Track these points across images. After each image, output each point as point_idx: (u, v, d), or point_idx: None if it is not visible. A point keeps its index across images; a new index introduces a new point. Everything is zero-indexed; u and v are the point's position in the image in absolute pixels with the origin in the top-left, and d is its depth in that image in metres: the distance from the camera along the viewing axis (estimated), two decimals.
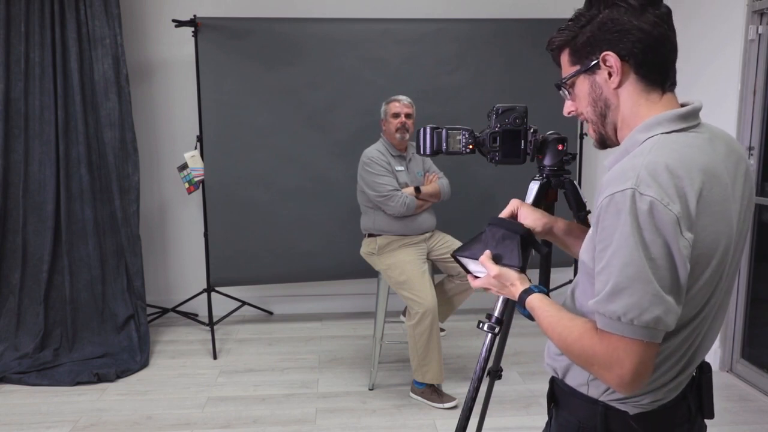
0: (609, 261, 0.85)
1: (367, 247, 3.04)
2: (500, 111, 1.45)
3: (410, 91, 3.20)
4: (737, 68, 3.00)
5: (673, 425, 1.01)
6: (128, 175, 3.58)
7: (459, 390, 2.99)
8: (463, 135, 1.43)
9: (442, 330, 3.77)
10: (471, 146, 1.45)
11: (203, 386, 3.11)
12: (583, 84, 1.02)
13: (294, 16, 3.86)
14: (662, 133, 0.92)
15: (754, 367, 3.06)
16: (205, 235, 3.66)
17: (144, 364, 3.35)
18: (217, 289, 3.83)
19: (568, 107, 1.07)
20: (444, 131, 1.42)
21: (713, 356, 3.22)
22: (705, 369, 1.05)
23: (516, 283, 1.11)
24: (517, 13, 3.98)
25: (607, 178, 0.89)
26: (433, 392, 2.89)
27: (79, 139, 3.50)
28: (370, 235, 3.03)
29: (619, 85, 0.97)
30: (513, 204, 1.28)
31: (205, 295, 3.72)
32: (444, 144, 1.42)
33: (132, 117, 3.59)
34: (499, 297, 1.44)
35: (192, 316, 4.00)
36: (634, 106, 0.97)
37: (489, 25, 3.75)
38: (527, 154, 1.54)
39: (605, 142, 1.04)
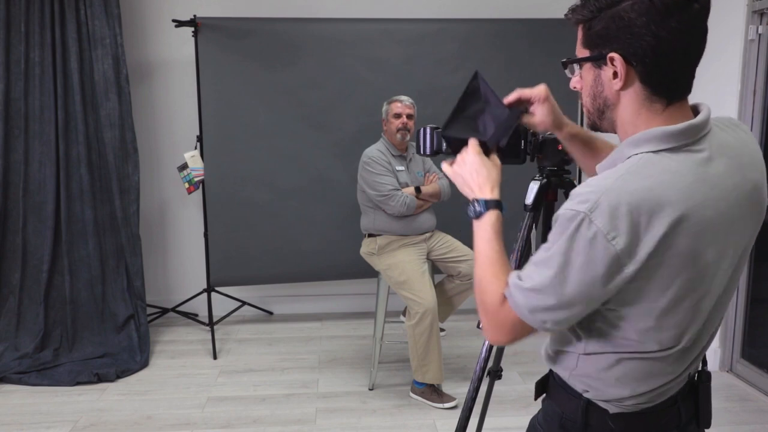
0: (538, 261, 0.90)
1: (367, 247, 3.04)
2: None
3: (410, 91, 3.20)
4: (737, 68, 3.00)
5: (657, 429, 1.00)
6: (128, 175, 3.58)
7: (459, 390, 2.99)
8: None
9: (442, 330, 3.77)
10: None
11: (203, 386, 3.11)
12: (588, 73, 0.96)
13: (294, 16, 3.86)
14: (649, 152, 0.88)
15: (754, 367, 3.06)
16: (205, 235, 3.66)
17: (144, 364, 3.35)
18: (217, 289, 3.83)
19: (574, 82, 1.00)
20: None
21: (713, 356, 3.22)
22: (703, 377, 1.04)
23: (489, 185, 1.06)
24: (517, 13, 3.97)
25: (579, 188, 0.88)
26: (433, 392, 2.89)
27: (79, 139, 3.50)
28: (370, 235, 3.03)
29: (623, 88, 0.91)
30: (531, 92, 1.15)
31: (205, 295, 3.72)
32: (444, 144, 1.42)
33: (132, 117, 3.59)
34: None
35: (192, 316, 4.00)
36: (635, 113, 0.92)
37: (489, 25, 3.75)
38: (527, 154, 1.53)
39: (596, 128, 1.01)
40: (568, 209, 0.86)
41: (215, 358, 3.46)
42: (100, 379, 3.14)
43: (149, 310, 3.93)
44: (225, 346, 3.65)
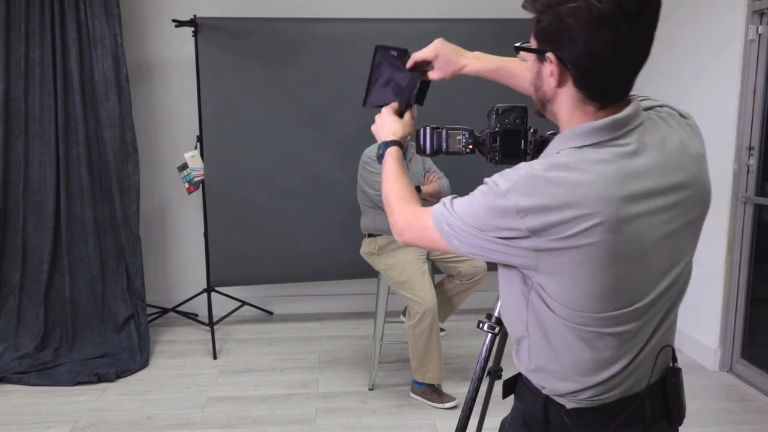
0: (468, 201, 0.99)
1: (367, 247, 3.04)
2: (500, 111, 1.45)
3: None
4: (737, 68, 3.00)
5: (619, 426, 0.99)
6: (128, 175, 3.58)
7: (459, 390, 2.99)
8: (463, 135, 1.43)
9: (442, 330, 3.77)
10: (471, 146, 1.45)
11: (203, 386, 3.11)
12: (533, 65, 0.98)
13: (294, 16, 3.87)
14: (573, 148, 0.92)
15: (754, 367, 3.06)
16: (205, 235, 3.66)
17: (144, 364, 3.35)
18: (217, 289, 3.83)
19: (528, 66, 1.05)
20: (444, 131, 1.42)
21: (713, 356, 3.22)
22: (670, 373, 1.03)
23: (390, 132, 1.29)
24: (517, 13, 3.97)
25: (514, 168, 0.95)
26: (433, 392, 2.89)
27: (79, 139, 3.50)
28: (370, 235, 3.03)
29: (558, 86, 0.94)
30: (421, 54, 1.29)
31: (205, 295, 3.72)
32: (444, 144, 1.42)
33: (132, 117, 3.59)
34: (499, 297, 1.45)
35: (192, 316, 4.00)
36: (569, 111, 0.95)
37: (489, 25, 3.75)
38: (527, 154, 1.53)
39: (542, 115, 1.05)
40: (492, 181, 0.95)
41: (215, 358, 3.46)
42: (100, 379, 3.14)
43: (149, 310, 3.93)
44: (225, 346, 3.65)
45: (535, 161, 0.94)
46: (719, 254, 3.16)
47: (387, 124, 1.31)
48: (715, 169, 3.18)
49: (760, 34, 2.93)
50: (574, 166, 0.89)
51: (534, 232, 0.89)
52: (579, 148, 0.92)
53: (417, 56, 1.28)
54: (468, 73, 1.28)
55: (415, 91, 1.29)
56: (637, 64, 0.90)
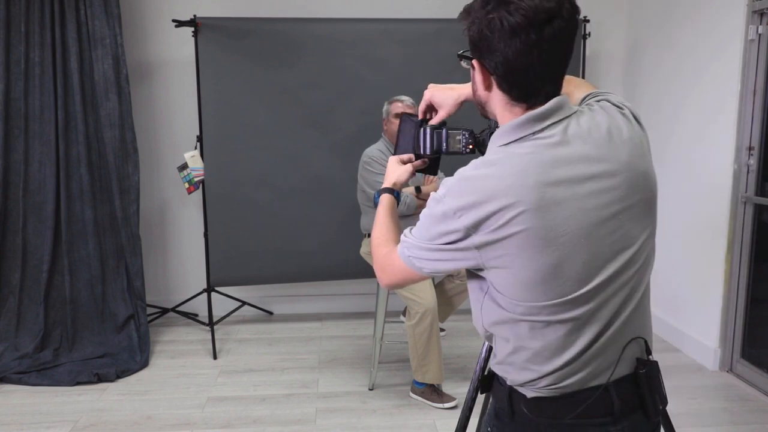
0: (421, 223, 1.06)
1: (367, 247, 3.04)
2: None
3: (410, 91, 3.20)
4: (737, 68, 3.00)
5: (581, 415, 1.00)
6: (128, 175, 3.58)
7: (459, 390, 2.99)
8: (463, 135, 1.43)
9: (442, 330, 3.77)
10: (471, 146, 1.45)
11: (203, 386, 3.11)
12: (471, 71, 1.07)
13: (294, 16, 3.86)
14: (501, 145, 1.00)
15: (754, 367, 3.06)
16: (205, 235, 3.66)
17: (144, 364, 3.35)
18: (217, 289, 3.83)
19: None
20: (444, 131, 1.42)
21: (713, 356, 3.22)
22: (641, 365, 1.02)
23: (390, 181, 1.35)
24: None
25: (453, 176, 1.01)
26: (433, 392, 2.89)
27: (79, 139, 3.50)
28: (370, 235, 3.03)
29: (487, 90, 1.03)
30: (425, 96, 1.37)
31: (205, 295, 3.72)
32: (444, 144, 1.42)
33: (132, 117, 3.59)
34: None
35: (192, 316, 4.00)
36: (501, 112, 1.03)
37: None
38: None
39: (486, 116, 1.13)
40: (436, 192, 1.02)
41: (215, 358, 3.46)
42: (100, 379, 3.14)
43: (149, 310, 3.93)
44: (225, 346, 3.65)
45: (460, 170, 1.01)
46: (719, 254, 3.16)
47: (389, 172, 1.38)
48: (715, 169, 3.18)
49: (760, 34, 2.93)
50: (497, 161, 0.96)
51: (470, 229, 0.96)
52: (505, 145, 0.99)
53: (420, 108, 1.39)
54: (468, 100, 1.33)
55: (423, 137, 1.39)
56: (554, 68, 0.97)
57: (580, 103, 1.10)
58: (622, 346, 1.01)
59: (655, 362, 1.05)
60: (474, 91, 1.08)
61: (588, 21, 3.88)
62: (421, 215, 1.05)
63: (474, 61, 1.02)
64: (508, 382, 1.07)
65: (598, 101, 1.06)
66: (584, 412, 1.00)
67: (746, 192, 3.06)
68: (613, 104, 1.05)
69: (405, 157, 1.39)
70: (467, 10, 1.00)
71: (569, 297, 0.96)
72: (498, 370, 1.09)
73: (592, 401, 1.00)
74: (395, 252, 1.12)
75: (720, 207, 3.14)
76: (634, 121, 1.04)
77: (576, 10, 0.95)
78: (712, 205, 3.20)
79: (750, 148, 3.03)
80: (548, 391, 1.01)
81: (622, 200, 0.97)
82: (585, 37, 3.85)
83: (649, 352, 1.05)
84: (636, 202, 0.99)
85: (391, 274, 1.15)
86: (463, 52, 1.08)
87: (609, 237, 0.96)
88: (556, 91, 0.99)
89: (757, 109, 3.00)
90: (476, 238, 0.96)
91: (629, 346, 1.01)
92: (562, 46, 0.95)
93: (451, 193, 0.98)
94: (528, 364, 1.01)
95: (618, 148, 0.98)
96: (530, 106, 0.98)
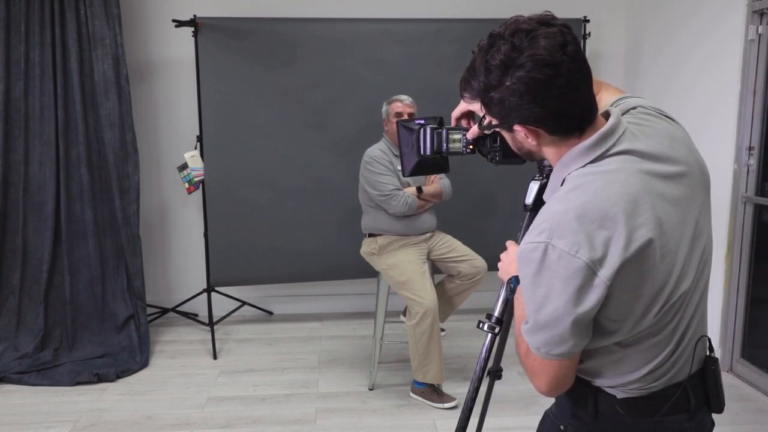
0: (527, 299, 0.97)
1: (367, 247, 3.04)
2: None
3: (410, 91, 3.20)
4: (737, 68, 3.00)
5: (666, 413, 1.04)
6: (128, 175, 3.58)
7: (459, 390, 2.99)
8: (463, 135, 1.43)
9: (442, 330, 3.76)
10: (471, 146, 1.45)
11: (203, 386, 3.11)
12: (504, 132, 1.06)
13: (294, 16, 3.86)
14: (578, 169, 0.97)
15: (754, 367, 3.06)
16: (205, 235, 3.66)
17: (144, 364, 3.35)
18: (217, 289, 3.83)
19: (474, 133, 1.23)
20: (444, 131, 1.42)
21: None
22: (708, 363, 1.07)
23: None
24: (517, 13, 3.97)
25: (535, 222, 0.96)
26: (433, 392, 2.89)
27: (79, 139, 3.50)
28: (370, 235, 3.03)
29: (538, 141, 1.00)
30: None
31: (205, 295, 3.72)
32: (444, 144, 1.42)
33: (132, 117, 3.59)
34: (499, 297, 1.45)
35: (192, 316, 4.00)
36: (557, 150, 1.01)
37: (489, 25, 3.68)
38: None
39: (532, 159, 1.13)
40: (529, 242, 0.94)
41: (215, 358, 3.46)
42: (100, 379, 3.14)
43: (149, 310, 3.93)
44: (225, 346, 3.65)
45: (543, 211, 0.96)
46: (719, 254, 3.16)
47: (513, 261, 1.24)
48: (715, 169, 3.18)
49: (760, 34, 2.93)
50: (583, 184, 0.93)
51: (597, 263, 0.89)
52: (582, 167, 0.97)
53: (453, 115, 1.35)
54: None
55: (423, 138, 1.40)
56: (584, 93, 0.95)
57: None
58: (694, 345, 1.04)
59: (717, 359, 1.10)
60: (519, 148, 1.07)
61: (588, 21, 3.88)
62: (533, 291, 0.94)
63: (515, 126, 0.98)
64: (595, 383, 1.06)
65: (634, 108, 1.07)
66: (668, 409, 1.04)
67: (746, 192, 3.06)
68: (650, 108, 1.07)
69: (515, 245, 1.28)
70: (466, 79, 1.00)
71: (671, 302, 0.97)
72: (583, 372, 1.07)
73: (675, 399, 1.03)
74: (533, 354, 1.01)
75: (720, 207, 3.14)
76: (672, 121, 1.06)
77: (567, 25, 0.95)
78: (712, 205, 3.20)
79: (750, 148, 3.03)
80: (638, 392, 1.03)
81: (696, 197, 1.00)
82: (585, 37, 3.85)
83: (711, 349, 1.10)
84: (704, 196, 1.03)
85: (544, 376, 1.02)
86: (485, 124, 1.04)
87: (692, 234, 0.99)
88: (596, 107, 0.99)
89: (757, 109, 3.00)
90: (605, 271, 0.90)
91: (699, 344, 1.05)
92: (582, 64, 0.95)
93: (558, 235, 0.91)
94: (623, 369, 1.02)
95: (678, 148, 1.01)
96: (581, 133, 0.98)
